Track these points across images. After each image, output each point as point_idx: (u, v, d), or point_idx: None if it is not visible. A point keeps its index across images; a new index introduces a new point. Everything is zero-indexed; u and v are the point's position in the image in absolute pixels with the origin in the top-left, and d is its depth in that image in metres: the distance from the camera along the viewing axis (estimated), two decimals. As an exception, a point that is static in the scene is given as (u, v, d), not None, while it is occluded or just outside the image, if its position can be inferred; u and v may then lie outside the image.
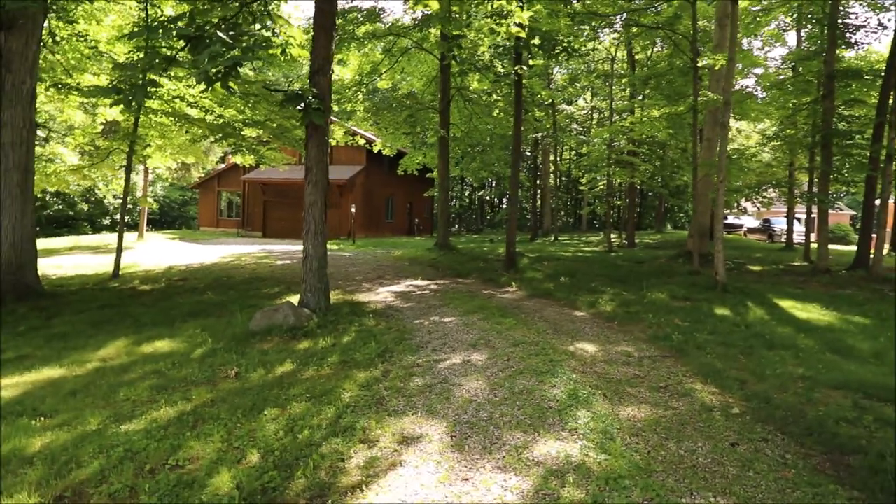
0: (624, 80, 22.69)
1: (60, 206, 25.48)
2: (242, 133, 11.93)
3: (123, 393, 4.09)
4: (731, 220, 31.18)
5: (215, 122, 11.56)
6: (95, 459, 3.00)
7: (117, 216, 30.93)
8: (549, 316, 7.09)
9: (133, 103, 5.54)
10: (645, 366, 4.87)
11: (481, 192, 41.97)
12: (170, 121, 12.24)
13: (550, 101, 24.19)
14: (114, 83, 5.51)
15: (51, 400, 3.95)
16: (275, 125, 11.65)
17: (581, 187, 27.43)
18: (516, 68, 11.42)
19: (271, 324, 5.95)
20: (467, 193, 46.41)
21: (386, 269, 12.41)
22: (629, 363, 4.94)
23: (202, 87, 6.02)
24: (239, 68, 5.37)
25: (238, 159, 14.52)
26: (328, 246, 20.29)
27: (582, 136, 28.81)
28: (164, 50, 7.73)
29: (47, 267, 13.06)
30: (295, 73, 30.28)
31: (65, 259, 15.03)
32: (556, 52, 11.99)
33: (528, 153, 31.99)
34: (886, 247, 12.71)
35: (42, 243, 20.94)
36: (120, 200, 29.96)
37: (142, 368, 4.79)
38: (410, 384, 4.33)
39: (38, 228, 25.26)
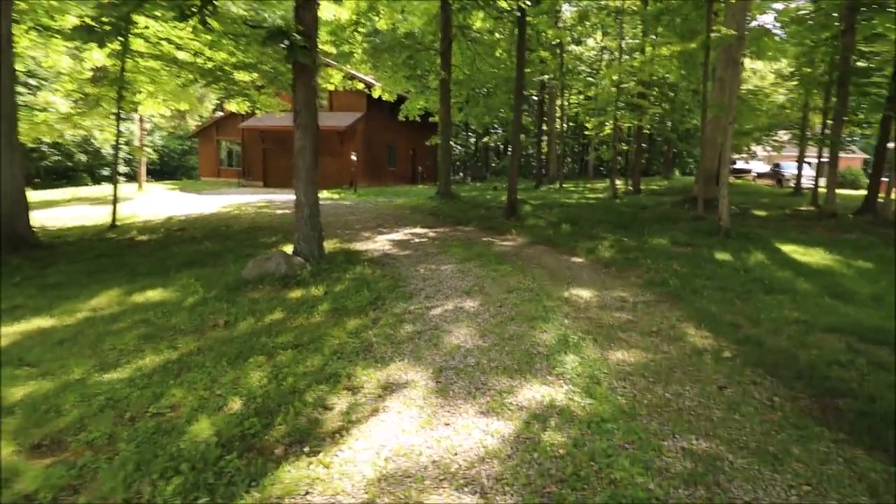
0: (635, 17, 21.47)
1: (58, 158, 25.19)
2: (233, 77, 11.46)
3: (110, 342, 4.08)
4: (740, 165, 30.42)
5: (204, 65, 11.09)
6: (76, 408, 3.00)
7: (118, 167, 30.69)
8: (546, 263, 6.99)
9: (107, 43, 5.24)
10: (639, 311, 4.79)
11: (486, 139, 41.00)
12: (158, 65, 11.76)
13: (558, 41, 23.05)
14: (84, 22, 5.17)
15: (38, 349, 3.96)
16: (268, 68, 11.16)
17: (587, 132, 26.67)
18: (520, 2, 10.74)
19: (263, 272, 5.90)
20: (472, 140, 45.41)
21: (386, 218, 12.27)
22: (623, 308, 4.87)
23: (185, 26, 5.64)
24: (215, 2, 5.01)
25: (232, 106, 14.06)
26: (329, 195, 20.02)
27: (591, 79, 27.68)
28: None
29: (46, 219, 13.05)
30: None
31: (64, 211, 14.99)
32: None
33: (534, 97, 30.92)
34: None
35: (41, 195, 20.91)
36: (124, 150, 29.61)
37: (131, 317, 4.78)
38: (400, 331, 4.29)
39: (37, 180, 25.15)
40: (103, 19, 4.97)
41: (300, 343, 3.99)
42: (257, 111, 14.05)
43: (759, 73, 27.60)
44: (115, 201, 11.72)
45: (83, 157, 26.36)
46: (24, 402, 3.08)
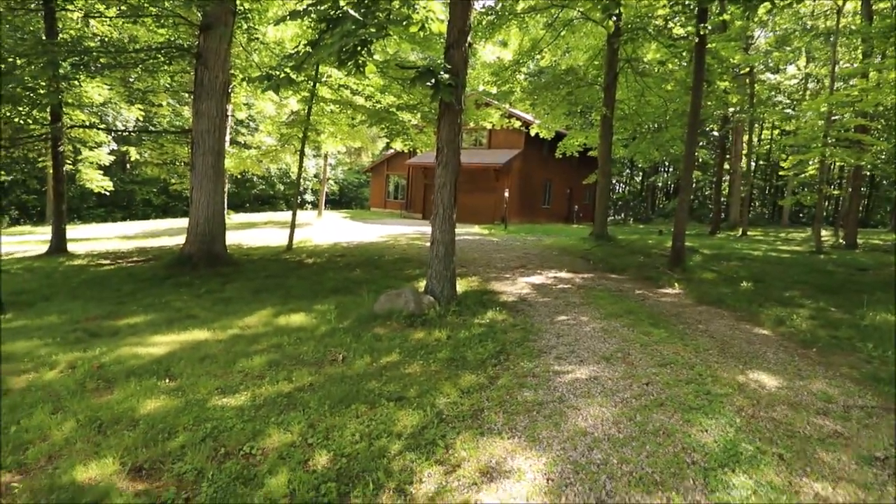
0: (854, 38, 17.88)
1: (264, 187, 30.30)
2: (397, 117, 12.28)
3: (241, 364, 4.27)
4: None
5: (374, 107, 12.09)
6: (184, 433, 3.06)
7: (306, 196, 35.65)
8: (716, 330, 5.71)
9: (280, 90, 5.86)
10: (853, 420, 3.45)
11: (653, 178, 37.96)
12: (338, 108, 13.23)
13: (748, 68, 20.36)
14: (263, 72, 5.90)
15: (184, 363, 4.31)
16: (427, 108, 11.74)
17: (783, 172, 22.78)
18: (699, 27, 9.55)
19: (392, 308, 5.83)
20: (638, 179, 42.55)
21: (531, 258, 11.72)
22: (827, 412, 3.57)
23: (347, 71, 6.02)
24: (369, 45, 5.22)
25: (397, 145, 15.12)
26: (480, 230, 20.13)
27: (789, 111, 23.77)
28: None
29: (244, 238, 15.37)
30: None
31: (259, 232, 17.59)
32: (755, 2, 9.67)
33: (715, 132, 27.72)
34: None
35: (246, 217, 25.01)
36: (309, 182, 34.42)
37: (269, 341, 5.03)
38: (518, 398, 3.70)
39: (247, 205, 30.35)
40: (275, 72, 5.55)
41: (406, 395, 3.67)
42: (417, 150, 14.84)
43: None
44: (292, 227, 13.27)
45: (281, 187, 31.29)
46: (148, 417, 3.27)
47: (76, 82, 10.43)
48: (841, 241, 17.55)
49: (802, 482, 2.68)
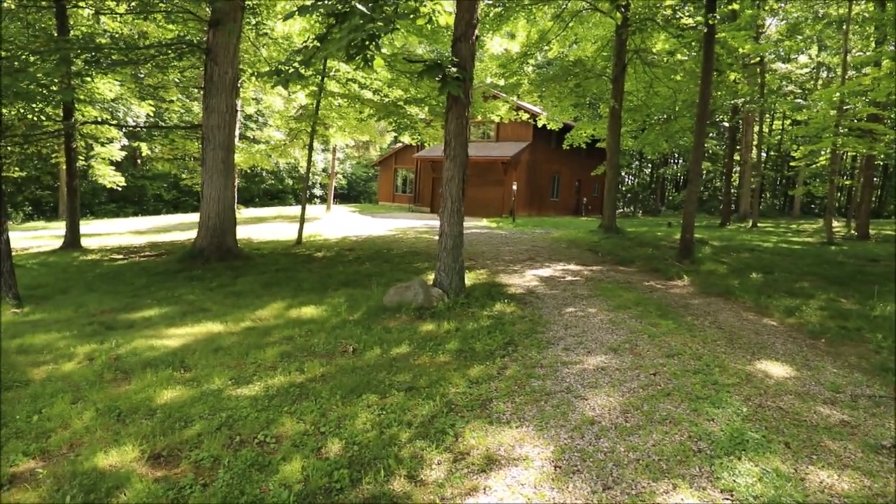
0: (867, 25, 17.57)
1: (273, 181, 30.51)
2: (405, 111, 12.30)
3: (253, 356, 4.35)
4: None
5: (382, 101, 12.12)
6: (200, 421, 3.15)
7: (315, 190, 35.83)
8: (724, 321, 5.72)
9: (290, 84, 5.90)
10: (860, 409, 3.47)
11: (662, 170, 37.67)
12: (346, 102, 13.28)
13: (759, 57, 20.11)
14: (273, 67, 5.96)
15: (199, 354, 4.40)
16: (434, 102, 11.74)
17: (794, 163, 22.55)
18: (707, 17, 9.46)
19: (401, 301, 5.89)
20: (647, 171, 42.26)
21: (539, 251, 11.73)
22: (835, 402, 3.58)
23: (355, 65, 6.07)
24: (378, 39, 5.24)
25: (405, 138, 15.15)
26: (488, 223, 20.14)
27: (800, 101, 23.45)
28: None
29: (254, 233, 15.50)
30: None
31: (268, 226, 17.72)
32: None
33: (725, 123, 27.39)
34: None
35: (255, 212, 25.18)
36: (318, 176, 34.55)
37: (281, 333, 5.11)
38: (526, 388, 3.75)
39: (256, 199, 30.56)
40: (283, 67, 5.61)
41: (416, 385, 3.73)
42: (425, 143, 14.86)
43: None
44: (301, 221, 13.38)
45: (290, 182, 31.49)
46: (165, 406, 3.36)
47: (88, 79, 10.55)
48: (853, 231, 17.37)
49: (808, 469, 2.71)
